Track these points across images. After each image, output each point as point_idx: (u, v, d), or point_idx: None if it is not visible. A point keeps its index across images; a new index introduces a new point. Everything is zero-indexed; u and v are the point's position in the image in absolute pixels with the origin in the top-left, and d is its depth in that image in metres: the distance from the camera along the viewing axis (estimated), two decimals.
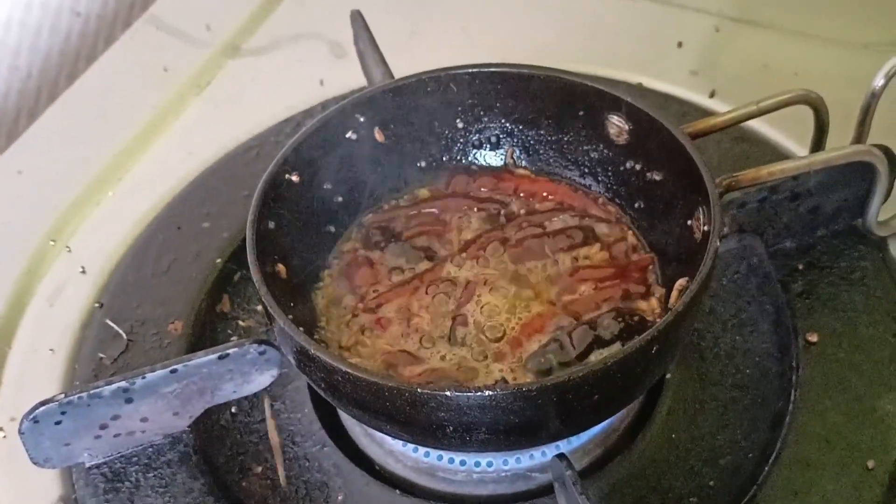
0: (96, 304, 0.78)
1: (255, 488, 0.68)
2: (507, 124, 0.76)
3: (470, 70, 0.74)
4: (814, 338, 0.71)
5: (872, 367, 0.69)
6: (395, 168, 0.75)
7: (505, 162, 0.77)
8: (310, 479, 0.68)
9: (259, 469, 0.69)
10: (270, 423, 0.71)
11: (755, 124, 0.81)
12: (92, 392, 0.63)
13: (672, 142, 0.67)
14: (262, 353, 0.66)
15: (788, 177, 0.71)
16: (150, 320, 0.76)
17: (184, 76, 0.97)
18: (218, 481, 0.68)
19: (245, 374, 0.66)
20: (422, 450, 0.68)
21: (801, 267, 0.75)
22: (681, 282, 0.66)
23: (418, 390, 0.56)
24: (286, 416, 0.72)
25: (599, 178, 0.75)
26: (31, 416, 0.63)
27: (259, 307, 0.78)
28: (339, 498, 0.67)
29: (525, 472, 0.67)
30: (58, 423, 0.64)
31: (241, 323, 0.77)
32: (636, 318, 0.67)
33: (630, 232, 0.72)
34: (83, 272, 0.81)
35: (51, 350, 0.76)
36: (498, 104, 0.75)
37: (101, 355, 0.74)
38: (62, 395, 0.63)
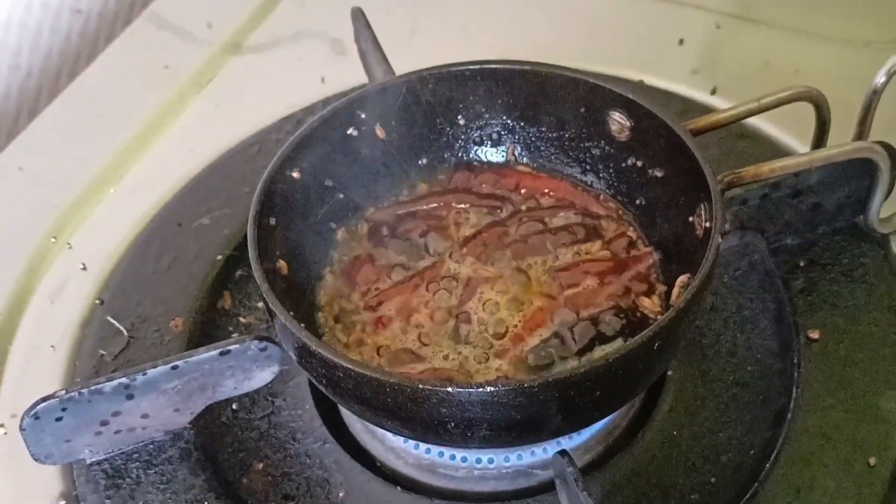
0: (97, 301, 0.78)
1: (256, 485, 0.68)
2: (509, 121, 0.76)
3: (471, 67, 0.74)
4: (815, 335, 0.71)
5: (874, 363, 0.69)
6: (396, 165, 0.75)
7: (506, 159, 0.77)
8: (311, 475, 0.68)
9: (260, 466, 0.69)
10: None
11: (756, 121, 0.81)
12: (93, 388, 0.63)
13: (674, 138, 0.67)
14: (263, 350, 0.65)
15: (790, 174, 0.71)
16: (150, 317, 0.76)
17: (185, 74, 0.97)
18: (219, 478, 0.68)
19: (246, 370, 0.66)
20: (423, 446, 0.67)
21: (802, 264, 0.75)
22: (682, 278, 0.65)
23: (419, 386, 0.56)
24: (287, 413, 0.72)
25: (601, 175, 0.75)
26: (32, 413, 0.63)
27: (260, 304, 0.78)
28: (341, 494, 0.67)
29: (526, 469, 0.67)
30: (59, 419, 0.64)
31: (241, 319, 0.77)
32: (637, 315, 0.67)
33: (631, 228, 0.72)
34: (84, 269, 0.81)
35: (52, 347, 0.76)
36: (499, 101, 0.75)
37: (102, 352, 0.74)
38: (63, 392, 0.63)
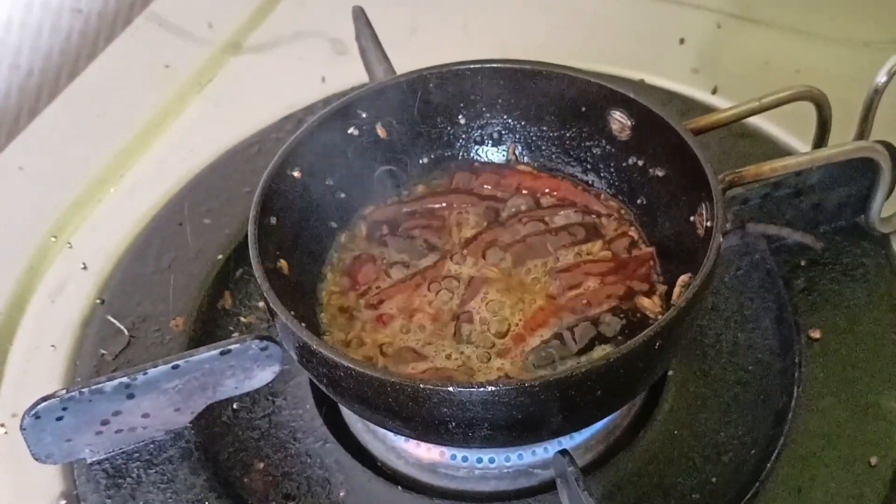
0: (98, 301, 0.78)
1: (257, 484, 0.68)
2: (510, 120, 0.76)
3: (472, 66, 0.74)
4: (816, 334, 0.71)
5: (875, 363, 0.69)
6: (396, 164, 0.75)
7: (507, 158, 0.77)
8: (312, 475, 0.68)
9: (261, 465, 0.69)
10: None
11: (757, 120, 0.81)
12: (93, 388, 0.63)
13: (675, 138, 0.67)
14: (263, 349, 0.65)
15: (791, 173, 0.71)
16: (151, 316, 0.76)
17: (185, 73, 0.97)
18: (219, 477, 0.68)
19: (247, 370, 0.66)
20: (424, 446, 0.67)
21: (803, 263, 0.75)
22: (683, 278, 0.65)
23: (421, 386, 0.56)
24: (288, 413, 0.72)
25: (602, 175, 0.75)
26: (33, 412, 0.63)
27: (261, 303, 0.78)
28: (341, 494, 0.67)
29: (527, 469, 0.67)
30: (59, 418, 0.64)
31: (242, 319, 0.77)
32: (638, 316, 0.67)
33: (632, 228, 0.72)
34: (84, 269, 0.81)
35: (52, 346, 0.76)
36: (500, 100, 0.75)
37: (103, 351, 0.74)
38: (64, 391, 0.63)
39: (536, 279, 0.70)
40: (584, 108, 0.73)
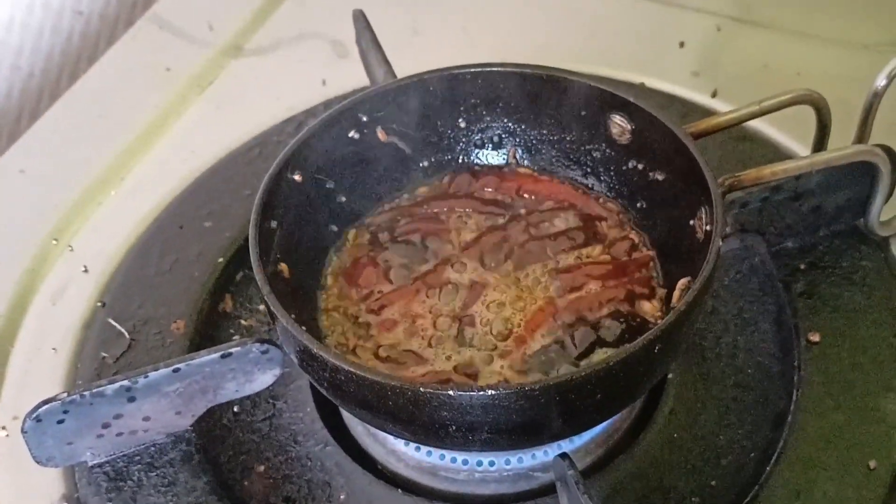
0: (99, 304, 0.78)
1: (258, 488, 0.68)
2: (510, 124, 0.76)
3: (472, 69, 0.74)
4: (815, 337, 0.71)
5: (874, 366, 0.69)
6: (397, 167, 0.75)
7: (507, 161, 0.77)
8: (312, 478, 0.68)
9: (261, 468, 0.69)
10: None
11: (757, 124, 0.81)
12: (94, 391, 0.63)
13: (675, 142, 0.67)
14: (264, 353, 0.66)
15: (790, 177, 0.71)
16: (152, 319, 0.76)
17: (186, 76, 0.97)
18: (220, 480, 0.68)
19: (247, 373, 0.66)
20: (424, 449, 0.68)
21: (802, 267, 0.75)
22: (683, 281, 0.66)
23: (421, 389, 0.56)
24: (288, 416, 0.72)
25: (602, 178, 0.75)
26: (34, 415, 0.63)
27: (261, 306, 0.78)
28: (342, 497, 0.67)
29: (527, 472, 0.67)
30: (60, 421, 0.64)
31: (243, 322, 0.78)
32: (637, 320, 0.67)
33: (632, 232, 0.72)
34: (85, 271, 0.81)
35: (53, 349, 0.76)
36: (500, 103, 0.75)
37: (104, 354, 0.74)
38: (65, 394, 0.63)
39: (536, 282, 0.70)
40: (584, 112, 0.73)
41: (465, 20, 1.01)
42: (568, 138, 0.75)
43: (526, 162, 0.77)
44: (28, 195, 0.88)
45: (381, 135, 0.74)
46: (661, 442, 0.68)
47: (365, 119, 0.73)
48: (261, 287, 0.62)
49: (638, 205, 0.73)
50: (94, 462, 0.67)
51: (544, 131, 0.76)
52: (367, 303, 0.70)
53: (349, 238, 0.73)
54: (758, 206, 0.73)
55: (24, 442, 0.64)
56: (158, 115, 0.94)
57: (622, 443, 0.69)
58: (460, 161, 0.77)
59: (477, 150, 0.77)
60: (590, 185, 0.75)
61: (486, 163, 0.77)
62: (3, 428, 0.72)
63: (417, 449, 0.68)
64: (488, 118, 0.76)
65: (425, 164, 0.76)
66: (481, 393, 0.56)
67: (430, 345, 0.67)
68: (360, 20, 0.81)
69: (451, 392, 0.56)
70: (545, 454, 0.67)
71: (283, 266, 0.67)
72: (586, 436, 0.68)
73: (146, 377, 0.64)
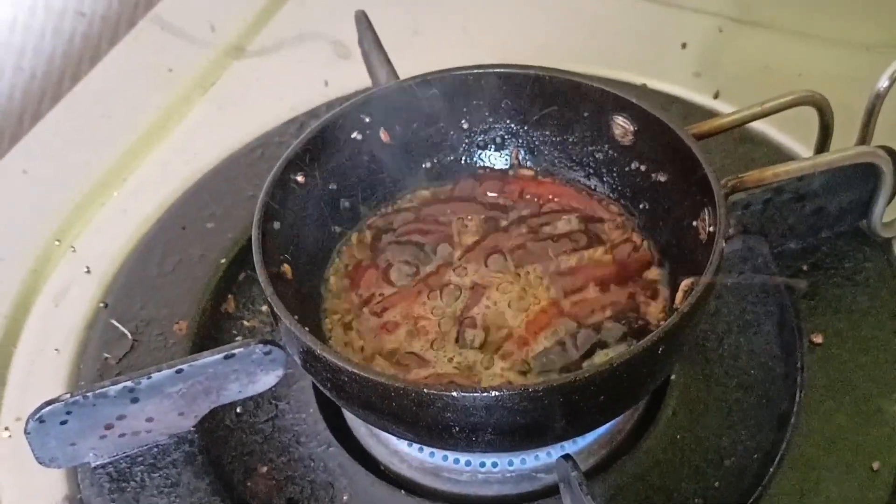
0: (101, 305, 0.78)
1: (261, 488, 0.68)
2: (513, 125, 0.76)
3: (475, 71, 0.74)
4: (818, 339, 0.71)
5: (877, 368, 0.69)
6: (400, 169, 0.75)
7: (510, 163, 0.77)
8: (315, 479, 0.68)
9: (264, 469, 0.69)
10: None
11: (759, 125, 0.81)
12: (97, 392, 0.63)
13: (677, 143, 0.67)
14: (267, 354, 0.66)
15: (793, 178, 0.71)
16: (155, 320, 0.76)
17: (188, 77, 0.97)
18: (223, 481, 0.68)
19: (250, 374, 0.66)
20: (427, 450, 0.68)
21: (805, 268, 0.75)
22: (686, 283, 0.65)
23: (424, 390, 0.56)
24: (291, 417, 0.72)
25: (604, 179, 0.75)
26: (37, 416, 0.63)
27: (264, 307, 0.78)
28: (345, 498, 0.67)
29: (530, 473, 0.67)
30: (63, 422, 0.64)
31: (245, 323, 0.78)
32: (640, 322, 0.67)
33: (635, 233, 0.72)
34: (88, 272, 0.81)
35: (56, 350, 0.76)
36: (503, 105, 0.75)
37: (107, 355, 0.74)
38: (68, 395, 0.63)
39: (539, 284, 0.70)
40: (586, 113, 0.73)
41: (466, 21, 1.01)
42: (570, 139, 0.75)
43: (528, 163, 0.77)
44: (30, 196, 0.88)
45: (383, 136, 0.74)
46: (664, 443, 0.68)
47: (367, 120, 0.73)
48: (264, 288, 0.62)
49: (640, 206, 0.73)
50: (97, 463, 0.67)
51: (547, 132, 0.76)
52: (369, 304, 0.70)
53: (352, 239, 0.73)
54: (760, 208, 0.73)
55: (27, 443, 0.64)
56: (160, 116, 0.94)
57: (625, 444, 0.69)
58: (463, 162, 0.77)
59: (479, 152, 0.77)
60: (592, 187, 0.75)
61: (488, 164, 0.77)
62: (6, 429, 0.72)
63: (420, 450, 0.68)
64: (491, 119, 0.76)
65: (428, 165, 0.76)
66: (485, 394, 0.56)
67: (432, 347, 0.67)
68: (363, 21, 0.81)
69: (454, 393, 0.56)
70: (548, 455, 0.67)
71: (286, 267, 0.67)
72: (589, 437, 0.68)
73: (149, 378, 0.64)
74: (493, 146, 0.77)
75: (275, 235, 0.67)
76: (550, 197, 0.75)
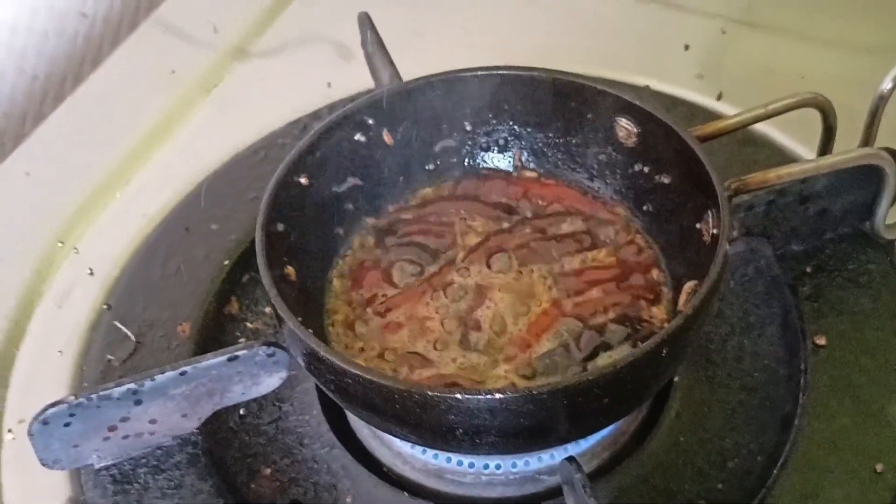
0: (104, 306, 0.78)
1: (264, 490, 0.68)
2: (516, 127, 0.76)
3: (478, 73, 0.74)
4: (822, 341, 0.71)
5: (880, 370, 0.69)
6: (403, 170, 0.75)
7: (513, 164, 0.77)
8: (318, 480, 0.68)
9: (268, 471, 0.69)
10: None
11: (762, 127, 0.81)
12: (101, 394, 0.63)
13: (681, 145, 0.67)
14: (270, 356, 0.66)
15: (796, 180, 0.71)
16: (158, 322, 0.76)
17: (191, 79, 0.97)
18: (226, 483, 0.68)
19: (254, 376, 0.66)
20: (430, 452, 0.68)
21: (808, 270, 0.75)
22: (689, 285, 0.66)
23: (428, 393, 0.56)
24: (294, 419, 0.72)
25: (608, 181, 0.75)
26: (41, 418, 0.63)
27: (267, 309, 0.78)
28: (348, 500, 0.67)
29: (533, 475, 0.67)
30: (67, 424, 0.64)
31: (248, 325, 0.78)
32: (643, 323, 0.67)
33: (638, 235, 0.72)
34: (91, 274, 0.81)
35: (59, 352, 0.76)
36: (506, 107, 0.75)
37: (110, 357, 0.74)
38: (72, 397, 0.63)
39: (542, 286, 0.70)
40: (590, 115, 0.73)
41: (469, 22, 1.01)
42: (574, 141, 0.75)
43: (532, 165, 0.77)
44: (33, 198, 0.88)
45: (386, 138, 0.74)
46: (667, 445, 0.68)
47: (371, 122, 0.73)
48: (268, 290, 0.62)
49: (644, 208, 0.73)
50: (101, 465, 0.67)
51: (550, 134, 0.76)
52: (372, 305, 0.70)
53: (355, 241, 0.74)
54: (763, 210, 0.73)
55: (30, 445, 0.64)
56: (163, 118, 0.94)
57: (629, 446, 0.69)
58: (466, 164, 0.77)
59: (482, 153, 0.77)
60: (596, 189, 0.75)
61: (491, 166, 0.77)
62: (10, 431, 0.72)
63: (424, 452, 0.68)
64: (494, 121, 0.76)
65: (431, 167, 0.76)
66: (489, 396, 0.56)
67: (435, 347, 0.67)
68: (365, 23, 0.81)
69: (458, 395, 0.56)
70: (552, 457, 0.67)
71: (290, 269, 0.67)
72: (593, 439, 0.68)
73: (153, 380, 0.64)
74: (496, 148, 0.77)
75: (278, 237, 0.67)
76: (554, 198, 0.75)
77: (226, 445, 0.70)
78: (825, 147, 0.74)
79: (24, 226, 0.86)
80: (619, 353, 0.65)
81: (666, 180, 0.71)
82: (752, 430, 0.69)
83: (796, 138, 0.84)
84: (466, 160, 0.77)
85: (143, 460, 0.68)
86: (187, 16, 1.04)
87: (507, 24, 1.01)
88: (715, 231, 0.64)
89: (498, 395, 0.56)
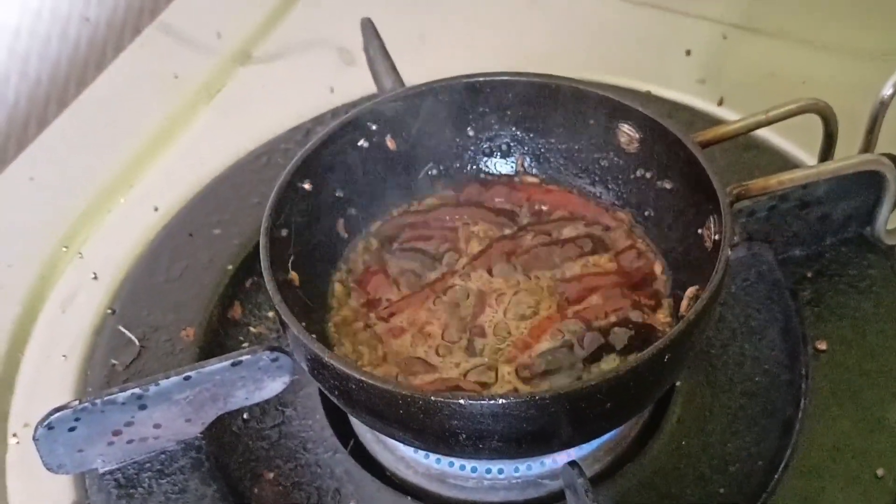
0: (109, 311, 0.79)
1: (268, 495, 0.69)
2: (518, 132, 0.76)
3: (481, 78, 0.74)
4: (823, 346, 0.71)
5: (881, 374, 0.69)
6: (406, 176, 0.76)
7: (516, 170, 0.77)
8: (321, 485, 0.69)
9: (271, 475, 0.70)
10: None
11: (764, 133, 0.81)
12: (106, 399, 0.64)
13: (683, 151, 0.68)
14: (274, 360, 0.66)
15: (797, 186, 0.71)
16: (162, 327, 0.76)
17: (194, 83, 0.98)
18: (230, 487, 0.68)
19: (257, 380, 0.67)
20: (433, 456, 0.68)
21: (809, 275, 0.75)
22: (691, 290, 0.66)
23: (432, 398, 0.57)
24: (298, 423, 0.72)
25: (610, 187, 0.75)
26: (46, 423, 0.63)
27: (270, 313, 0.78)
28: None
29: (536, 479, 0.67)
30: (72, 429, 0.64)
31: (252, 329, 0.78)
32: (645, 328, 0.67)
33: (640, 240, 0.73)
34: (95, 278, 0.81)
35: (63, 356, 0.76)
36: (509, 112, 0.75)
37: (114, 361, 0.75)
38: (76, 402, 0.63)
39: (545, 291, 0.70)
40: (591, 121, 0.73)
41: (472, 28, 1.01)
42: (576, 147, 0.75)
43: (534, 170, 0.77)
44: (37, 202, 0.88)
45: (390, 143, 0.74)
46: (669, 450, 0.68)
47: (374, 127, 0.73)
48: (272, 295, 0.62)
49: (646, 213, 0.73)
50: (105, 469, 0.68)
51: (552, 140, 0.76)
52: (376, 310, 0.70)
53: (358, 246, 0.74)
54: (765, 215, 0.73)
55: (35, 449, 0.64)
56: (166, 123, 0.94)
57: (631, 450, 0.69)
58: (469, 169, 0.77)
59: (485, 159, 0.77)
60: (598, 194, 0.75)
61: (494, 171, 0.77)
62: (14, 435, 0.72)
63: (426, 456, 0.68)
64: (496, 127, 0.76)
65: (434, 172, 0.77)
66: (492, 402, 0.56)
67: (437, 352, 0.67)
68: (369, 28, 0.81)
69: (461, 401, 0.56)
70: (554, 462, 0.67)
71: (293, 274, 0.67)
72: (595, 443, 0.68)
73: (157, 385, 0.64)
74: (498, 153, 0.77)
75: (282, 242, 0.67)
76: (556, 204, 0.75)
77: (229, 450, 0.71)
78: (826, 153, 0.74)
79: (28, 231, 0.86)
80: (621, 359, 0.65)
81: (667, 186, 0.71)
82: (753, 434, 0.69)
83: (797, 144, 0.84)
84: (469, 166, 0.77)
85: (148, 465, 0.68)
86: (190, 20, 1.04)
87: (510, 29, 1.01)
88: (717, 236, 0.64)
89: (501, 401, 0.56)
